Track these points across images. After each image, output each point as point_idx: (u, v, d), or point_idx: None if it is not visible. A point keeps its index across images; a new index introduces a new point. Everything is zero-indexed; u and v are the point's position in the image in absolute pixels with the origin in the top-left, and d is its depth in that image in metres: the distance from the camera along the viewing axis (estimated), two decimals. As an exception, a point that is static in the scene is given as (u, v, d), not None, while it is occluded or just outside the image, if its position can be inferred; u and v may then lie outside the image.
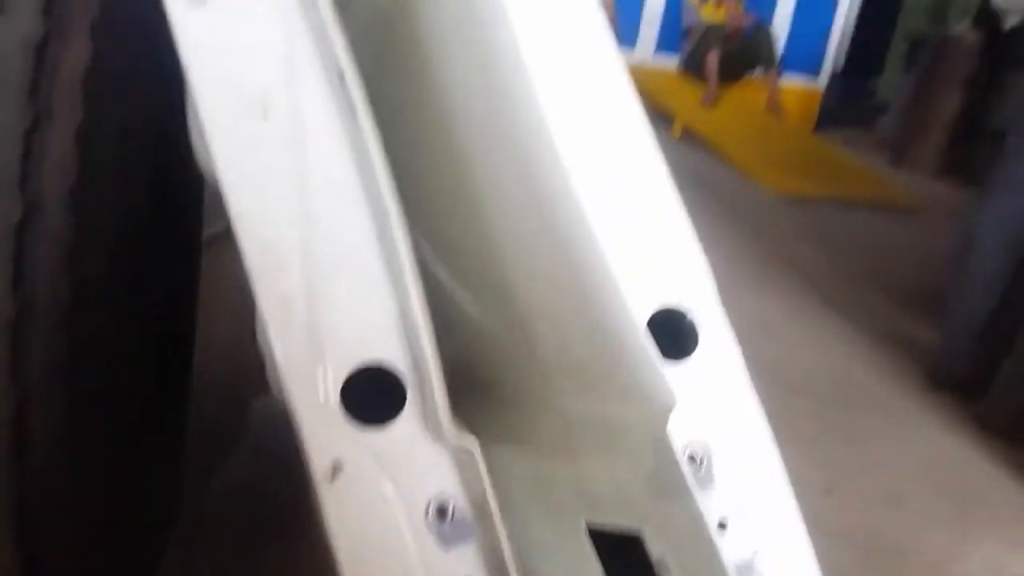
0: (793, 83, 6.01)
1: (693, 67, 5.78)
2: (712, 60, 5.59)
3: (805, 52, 6.10)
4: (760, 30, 5.78)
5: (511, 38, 0.68)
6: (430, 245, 0.75)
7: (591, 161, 0.69)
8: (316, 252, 0.65)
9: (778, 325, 2.55)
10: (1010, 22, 2.69)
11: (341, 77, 0.65)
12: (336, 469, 0.59)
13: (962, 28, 5.08)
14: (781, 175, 4.60)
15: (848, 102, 6.55)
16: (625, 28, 5.79)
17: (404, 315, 0.64)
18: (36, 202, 0.65)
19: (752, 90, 5.85)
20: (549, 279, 0.71)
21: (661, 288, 0.70)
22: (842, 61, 6.30)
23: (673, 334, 0.70)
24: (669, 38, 6.04)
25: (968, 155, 4.88)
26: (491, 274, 0.76)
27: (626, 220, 0.69)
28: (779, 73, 5.76)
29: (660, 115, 5.13)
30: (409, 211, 0.66)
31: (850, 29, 6.25)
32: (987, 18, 3.52)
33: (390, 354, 0.64)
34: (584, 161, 0.68)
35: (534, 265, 0.71)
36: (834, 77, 6.27)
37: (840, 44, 6.23)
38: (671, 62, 5.96)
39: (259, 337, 0.63)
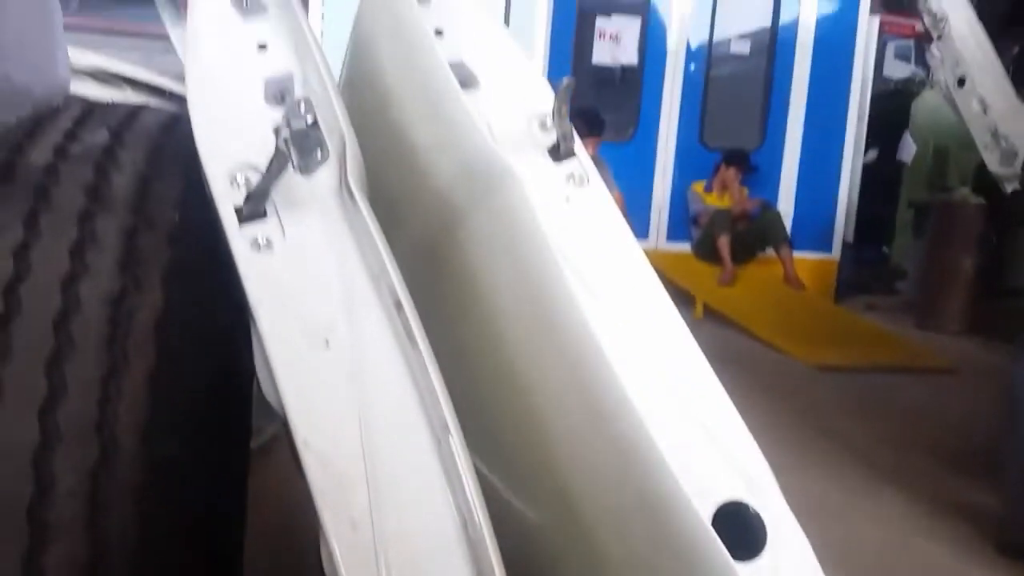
0: (807, 257, 6.16)
1: (705, 252, 5.96)
2: (723, 244, 5.77)
3: (814, 228, 6.30)
4: (767, 211, 6.01)
5: (550, 253, 0.73)
6: (488, 458, 0.76)
7: (638, 363, 0.71)
8: (381, 475, 0.67)
9: (834, 504, 2.47)
10: (1010, 187, 2.82)
11: (398, 306, 0.70)
12: None
13: (963, 193, 5.28)
14: (809, 346, 4.61)
15: (864, 270, 6.68)
16: (635, 221, 6.04)
17: (468, 528, 0.65)
18: (112, 444, 0.68)
19: (768, 267, 6.00)
20: (610, 485, 0.71)
21: (721, 483, 0.70)
22: (852, 232, 6.48)
23: (739, 528, 0.69)
24: (678, 227, 6.27)
25: (990, 313, 4.96)
26: (549, 484, 0.77)
27: (677, 417, 0.71)
28: (791, 249, 5.92)
29: (680, 295, 5.24)
30: (464, 425, 0.68)
31: (855, 202, 6.48)
32: (987, 183, 3.67)
33: (456, 571, 0.64)
34: (632, 364, 0.71)
35: (594, 472, 0.72)
36: (846, 247, 6.43)
37: (847, 216, 6.44)
38: (683, 248, 6.16)
39: (323, 557, 0.63)
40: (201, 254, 0.82)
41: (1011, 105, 2.79)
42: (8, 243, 0.72)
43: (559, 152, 0.81)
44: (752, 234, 5.95)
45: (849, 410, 3.62)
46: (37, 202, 0.75)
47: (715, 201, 6.06)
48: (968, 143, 4.09)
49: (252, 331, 0.74)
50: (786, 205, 6.31)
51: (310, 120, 0.67)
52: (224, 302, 0.86)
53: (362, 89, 0.83)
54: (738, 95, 6.63)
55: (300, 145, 0.67)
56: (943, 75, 2.91)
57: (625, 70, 6.28)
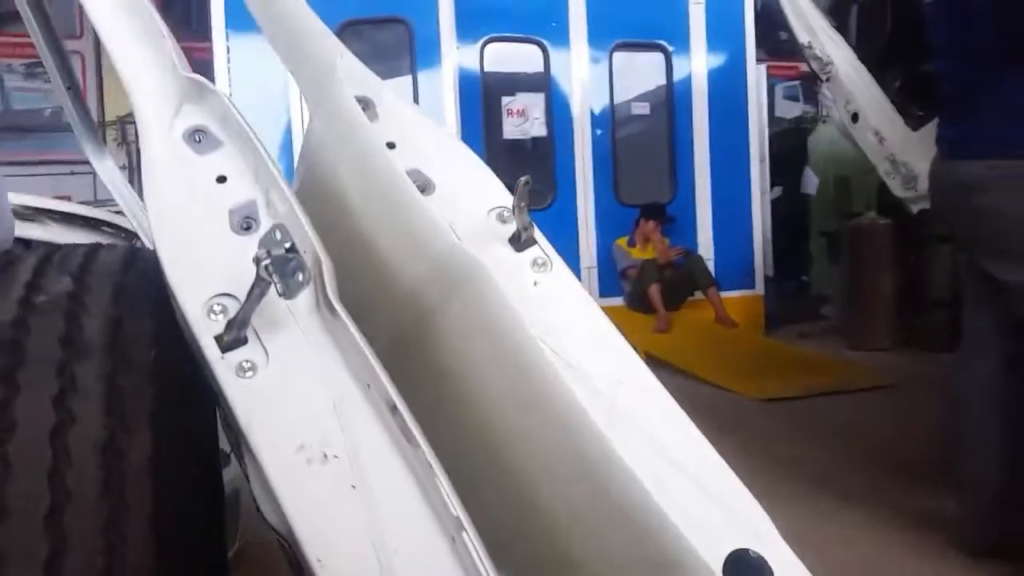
0: (733, 295, 6.36)
1: (638, 303, 6.10)
2: (654, 292, 5.92)
3: (735, 267, 6.53)
4: (690, 256, 6.22)
5: (527, 334, 0.76)
6: (490, 545, 0.77)
7: (626, 428, 0.75)
8: (395, 572, 0.67)
9: (803, 530, 2.50)
10: (916, 207, 3.01)
11: (393, 409, 0.72)
12: None
13: (870, 217, 5.58)
14: (750, 380, 4.72)
15: (789, 301, 6.93)
16: (567, 282, 6.13)
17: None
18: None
19: (698, 310, 6.16)
20: (619, 552, 0.73)
21: (724, 533, 0.73)
22: (771, 266, 6.74)
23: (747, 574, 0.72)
24: (607, 283, 6.41)
25: (916, 328, 5.20)
26: (556, 557, 0.79)
27: (672, 476, 0.74)
28: (719, 289, 6.12)
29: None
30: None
31: (769, 237, 6.75)
32: (891, 203, 3.91)
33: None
34: (620, 429, 0.74)
35: (600, 542, 0.74)
36: (768, 281, 6.66)
37: (764, 252, 6.70)
38: (616, 301, 6.29)
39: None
40: (181, 387, 0.82)
41: (902, 134, 3.00)
42: (-11, 404, 0.72)
43: (520, 241, 0.85)
44: (680, 280, 6.13)
45: (798, 437, 3.70)
46: (12, 357, 0.75)
47: (639, 254, 6.23)
48: (866, 169, 4.35)
49: (245, 454, 0.75)
50: (706, 250, 6.53)
51: (287, 246, 0.69)
52: (207, 429, 0.86)
53: (318, 202, 0.86)
54: (645, 152, 6.90)
55: (281, 271, 0.69)
56: (837, 113, 3.13)
57: (536, 142, 6.48)
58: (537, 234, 0.86)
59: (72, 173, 8.79)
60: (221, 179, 0.81)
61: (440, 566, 0.68)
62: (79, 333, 0.79)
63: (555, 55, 6.42)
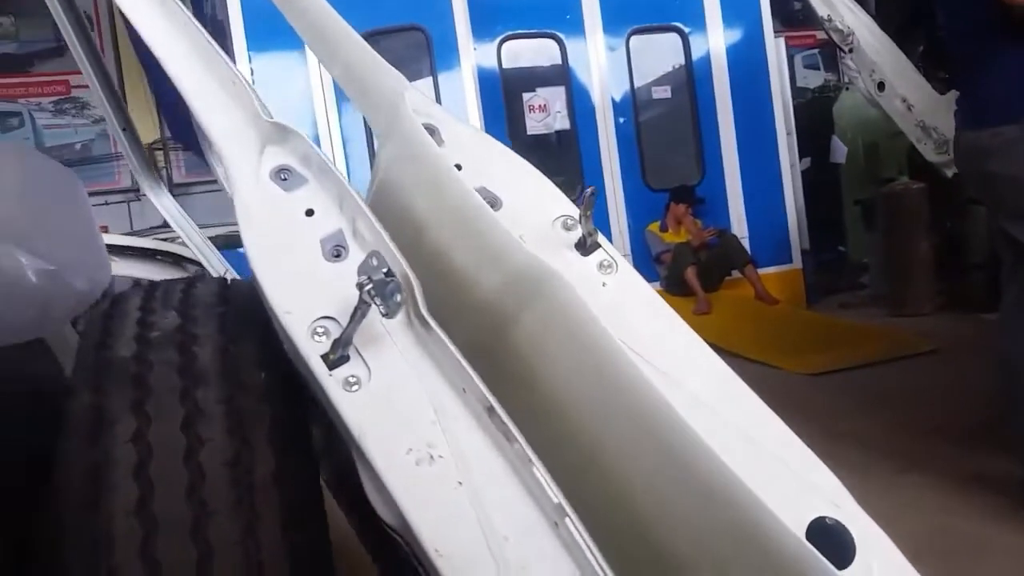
0: (772, 271, 6.36)
1: (675, 287, 6.12)
2: (691, 275, 5.94)
3: (771, 243, 6.52)
4: (724, 236, 6.23)
5: (607, 334, 0.82)
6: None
7: (707, 413, 0.80)
8: (512, 567, 0.74)
9: (868, 500, 2.54)
10: (950, 172, 3.02)
11: (490, 411, 0.79)
12: None
13: (903, 182, 5.55)
14: (796, 356, 4.74)
15: (827, 273, 6.91)
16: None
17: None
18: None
19: (737, 289, 6.17)
20: (705, 530, 0.79)
21: (805, 503, 0.79)
22: (807, 239, 6.71)
23: (829, 542, 0.78)
24: (643, 269, 6.43)
25: (956, 290, 5.18)
26: (645, 550, 0.84)
27: (753, 455, 0.80)
28: (756, 267, 6.11)
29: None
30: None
31: (803, 210, 6.73)
32: (923, 166, 3.90)
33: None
34: (702, 415, 0.79)
35: (687, 522, 0.80)
36: (805, 255, 6.64)
37: (799, 225, 6.68)
38: (653, 287, 6.30)
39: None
40: (288, 404, 0.90)
41: (931, 98, 3.00)
42: (126, 432, 0.80)
43: (586, 246, 0.91)
44: (716, 261, 6.14)
45: (850, 409, 3.71)
46: (139, 391, 0.83)
47: (673, 238, 6.25)
48: (894, 133, 4.34)
49: (357, 460, 0.82)
50: (739, 227, 6.53)
51: (384, 271, 0.76)
52: (308, 440, 0.94)
53: (391, 223, 0.93)
54: (670, 135, 6.91)
55: (382, 293, 0.76)
56: (863, 83, 3.13)
57: (560, 135, 6.53)
58: (600, 238, 0.92)
59: (106, 203, 9.03)
60: (309, 212, 0.88)
61: (547, 549, 0.74)
62: (194, 363, 0.87)
63: (572, 47, 6.46)
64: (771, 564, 0.75)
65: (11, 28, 9.50)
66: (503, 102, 6.33)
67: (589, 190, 0.86)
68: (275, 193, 0.89)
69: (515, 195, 0.94)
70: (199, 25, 0.95)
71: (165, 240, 3.14)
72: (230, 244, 3.10)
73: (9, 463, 0.92)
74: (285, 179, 0.90)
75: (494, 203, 0.91)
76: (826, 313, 6.13)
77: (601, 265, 0.91)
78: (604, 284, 0.90)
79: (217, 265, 2.07)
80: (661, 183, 6.52)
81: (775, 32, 6.86)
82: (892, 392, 3.92)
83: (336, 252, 0.87)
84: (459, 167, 0.92)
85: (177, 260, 2.21)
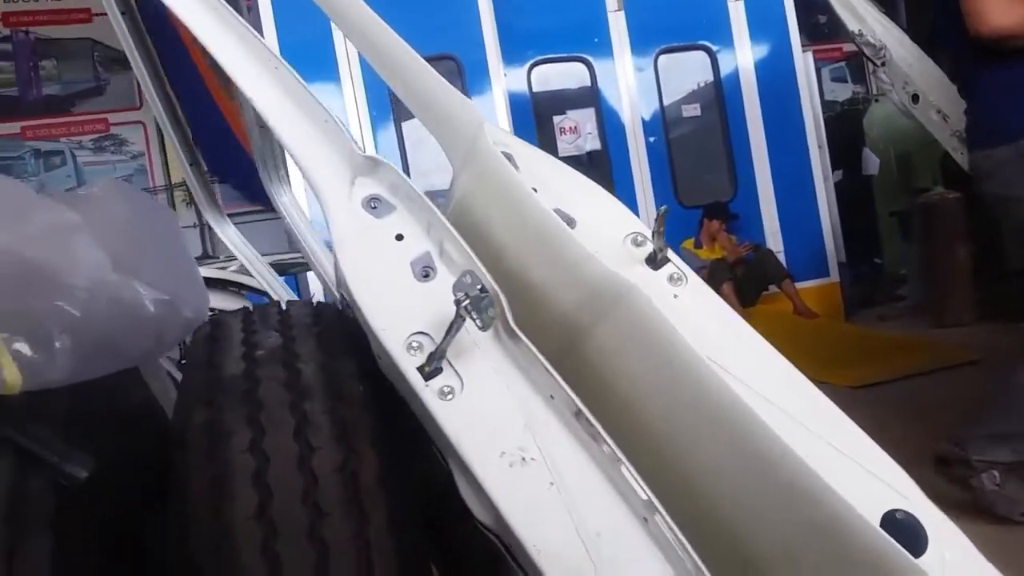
0: (809, 285, 6.35)
1: (712, 302, 6.13)
2: (728, 291, 5.96)
3: (807, 257, 6.52)
4: (759, 251, 6.24)
5: (686, 343, 0.88)
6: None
7: (784, 416, 0.86)
8: (605, 561, 0.79)
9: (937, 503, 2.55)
10: (986, 181, 3.04)
11: (578, 415, 0.85)
12: None
13: (938, 191, 5.54)
14: (839, 369, 4.73)
15: (865, 285, 6.89)
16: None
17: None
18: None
19: (775, 304, 6.17)
20: (782, 523, 0.84)
21: (878, 496, 0.84)
22: (843, 252, 6.70)
23: (902, 533, 0.82)
24: (679, 287, 6.46)
25: (997, 298, 5.12)
26: (728, 550, 0.89)
27: (829, 453, 0.85)
28: (793, 281, 6.12)
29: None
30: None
31: (837, 222, 6.72)
32: (958, 176, 3.91)
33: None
34: (779, 417, 0.85)
35: (766, 517, 0.85)
36: (842, 267, 6.63)
37: (835, 239, 6.67)
38: (690, 304, 6.32)
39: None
40: (385, 414, 0.96)
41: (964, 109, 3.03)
42: (244, 442, 0.87)
43: (656, 261, 0.97)
44: (752, 276, 6.15)
45: (901, 419, 3.70)
46: (252, 405, 0.90)
47: (708, 254, 6.28)
48: (926, 142, 4.34)
49: (453, 464, 0.88)
50: (774, 243, 6.54)
51: (479, 287, 0.83)
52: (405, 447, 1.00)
53: (472, 246, 0.99)
54: (701, 152, 6.96)
55: (477, 308, 0.82)
56: (896, 96, 3.16)
57: (591, 156, 6.60)
58: (670, 253, 0.98)
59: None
60: (399, 237, 0.96)
61: (638, 544, 0.80)
62: (299, 378, 0.94)
63: (600, 68, 6.55)
64: (849, 556, 0.80)
65: (54, 71, 9.81)
66: (534, 125, 6.43)
67: (662, 209, 0.93)
68: (367, 220, 0.97)
69: (587, 214, 1.00)
70: (291, 69, 1.03)
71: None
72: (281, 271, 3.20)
73: (128, 478, 1.00)
74: (375, 207, 0.98)
75: (570, 223, 0.98)
76: (865, 325, 6.11)
77: (671, 278, 0.97)
78: (676, 296, 0.96)
79: (280, 292, 2.16)
80: (694, 200, 6.56)
81: (802, 47, 6.90)
82: (940, 402, 3.90)
83: (425, 273, 0.94)
84: (535, 190, 0.99)
85: (248, 289, 2.30)
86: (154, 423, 1.15)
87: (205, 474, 0.86)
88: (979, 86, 2.42)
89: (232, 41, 1.03)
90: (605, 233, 0.99)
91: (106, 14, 1.57)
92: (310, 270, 3.92)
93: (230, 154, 5.51)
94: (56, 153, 10.28)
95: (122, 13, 1.53)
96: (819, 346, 5.37)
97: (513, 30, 6.28)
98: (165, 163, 9.67)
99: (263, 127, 1.80)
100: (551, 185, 1.01)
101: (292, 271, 3.97)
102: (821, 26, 9.25)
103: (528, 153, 1.03)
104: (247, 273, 2.54)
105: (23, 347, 0.77)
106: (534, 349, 0.87)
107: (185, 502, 0.88)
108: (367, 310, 0.92)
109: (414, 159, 5.85)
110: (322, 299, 1.78)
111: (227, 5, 1.09)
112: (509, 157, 1.00)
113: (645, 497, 0.80)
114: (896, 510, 0.83)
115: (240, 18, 1.06)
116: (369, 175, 0.99)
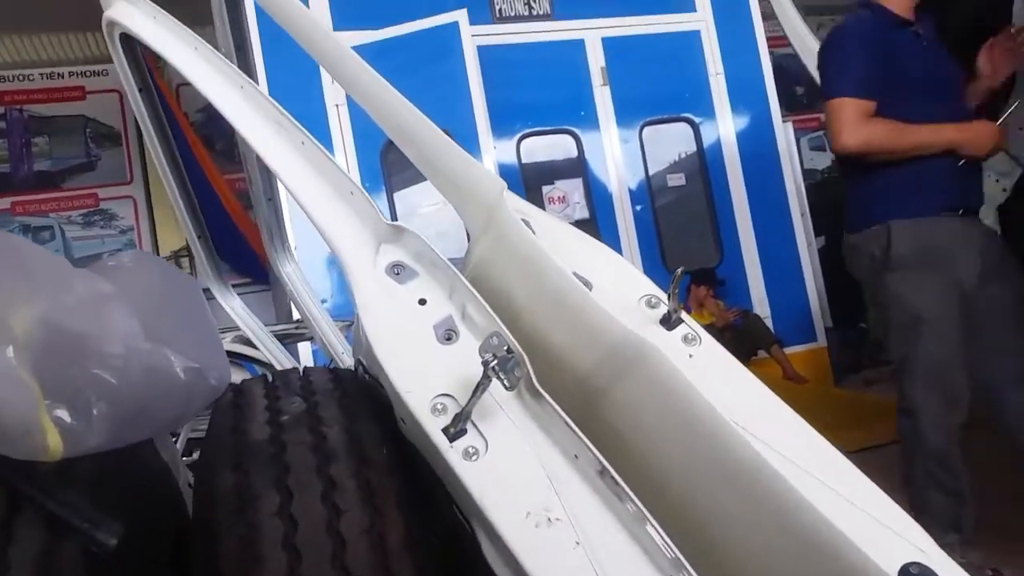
0: (798, 350, 6.40)
1: (702, 368, 6.15)
2: (717, 356, 5.99)
3: (794, 322, 6.59)
4: (748, 316, 6.31)
5: (705, 401, 0.91)
6: None
7: (802, 472, 0.88)
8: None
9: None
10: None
11: (602, 473, 0.86)
12: None
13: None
14: (833, 434, 4.62)
15: (850, 349, 6.94)
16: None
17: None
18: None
19: (764, 369, 6.20)
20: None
21: (896, 549, 0.86)
22: (829, 317, 6.78)
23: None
24: (669, 351, 6.49)
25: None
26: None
27: (846, 508, 0.87)
28: (782, 346, 6.17)
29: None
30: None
31: (822, 289, 6.81)
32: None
33: None
34: (798, 473, 0.87)
35: (789, 570, 0.87)
36: (830, 332, 6.70)
37: (821, 303, 6.75)
38: (681, 370, 6.34)
39: None
40: (408, 476, 0.98)
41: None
42: (271, 507, 0.88)
43: (670, 321, 1.01)
44: (741, 342, 6.19)
45: (892, 485, 3.71)
46: (279, 469, 0.92)
47: (696, 319, 6.32)
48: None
49: (477, 525, 0.89)
50: (761, 308, 6.61)
51: (506, 348, 0.86)
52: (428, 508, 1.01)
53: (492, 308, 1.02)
54: (687, 220, 7.08)
55: (504, 368, 0.85)
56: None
57: (579, 224, 6.68)
58: (683, 314, 1.02)
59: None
60: (422, 301, 0.99)
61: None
62: (324, 441, 0.96)
63: (587, 140, 6.71)
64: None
65: (46, 147, 9.91)
66: (524, 195, 6.51)
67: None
68: (390, 286, 1.00)
69: (602, 277, 1.04)
70: (317, 143, 1.07)
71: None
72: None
73: (151, 545, 1.00)
74: (398, 273, 1.01)
75: (587, 285, 1.02)
76: (853, 390, 6.14)
77: (686, 338, 1.00)
78: (691, 356, 0.99)
79: (284, 361, 2.17)
80: (680, 267, 6.63)
81: (782, 117, 7.11)
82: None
83: (447, 336, 0.97)
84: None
85: (250, 360, 2.31)
86: (170, 490, 1.15)
87: (233, 536, 0.87)
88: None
89: (260, 122, 1.08)
90: (620, 294, 1.03)
91: (101, 92, 1.62)
92: (302, 341, 3.93)
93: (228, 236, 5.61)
94: (45, 228, 10.30)
95: (140, 90, 1.58)
96: (810, 411, 5.35)
97: (502, 104, 6.44)
98: (154, 237, 9.70)
99: (270, 200, 1.84)
100: (566, 248, 1.05)
101: (285, 341, 3.98)
102: (799, 96, 9.55)
103: (544, 219, 1.07)
104: (245, 343, 2.55)
105: (63, 414, 0.78)
106: (558, 408, 0.89)
107: (214, 567, 0.88)
108: (392, 373, 0.94)
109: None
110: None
111: (252, 83, 1.14)
112: (527, 223, 1.04)
113: (672, 556, 0.82)
114: (913, 563, 0.85)
115: (266, 95, 1.11)
116: (393, 242, 1.02)
